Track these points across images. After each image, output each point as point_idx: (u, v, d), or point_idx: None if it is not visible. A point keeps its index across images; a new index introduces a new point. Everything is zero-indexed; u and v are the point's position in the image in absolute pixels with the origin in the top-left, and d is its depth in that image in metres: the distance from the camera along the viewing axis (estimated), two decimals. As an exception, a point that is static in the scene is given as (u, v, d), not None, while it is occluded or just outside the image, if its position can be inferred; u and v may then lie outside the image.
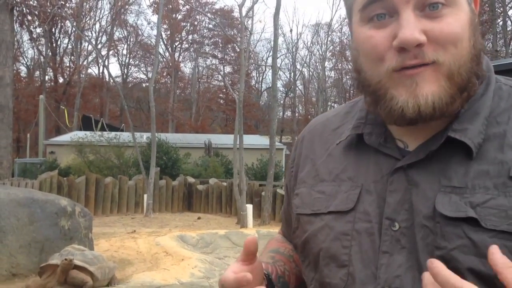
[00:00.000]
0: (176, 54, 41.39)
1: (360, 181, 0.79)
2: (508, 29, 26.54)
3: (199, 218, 12.60)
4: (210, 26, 40.64)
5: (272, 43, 14.12)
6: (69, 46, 37.96)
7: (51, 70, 37.25)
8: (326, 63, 38.50)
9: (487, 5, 27.57)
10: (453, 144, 0.72)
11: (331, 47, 38.67)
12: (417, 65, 0.69)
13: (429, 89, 0.69)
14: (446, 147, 0.72)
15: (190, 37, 41.96)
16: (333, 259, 0.77)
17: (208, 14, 35.70)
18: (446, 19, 0.69)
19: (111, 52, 38.15)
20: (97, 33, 37.25)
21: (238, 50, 13.02)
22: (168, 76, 40.66)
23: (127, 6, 36.74)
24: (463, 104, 0.74)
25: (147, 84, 31.99)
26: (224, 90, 40.73)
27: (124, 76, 41.13)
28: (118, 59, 41.20)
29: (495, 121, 0.73)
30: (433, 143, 0.73)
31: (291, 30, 53.96)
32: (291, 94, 41.65)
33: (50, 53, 36.26)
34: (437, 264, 0.58)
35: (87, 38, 31.17)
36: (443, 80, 0.69)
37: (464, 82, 0.71)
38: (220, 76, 42.59)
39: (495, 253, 0.58)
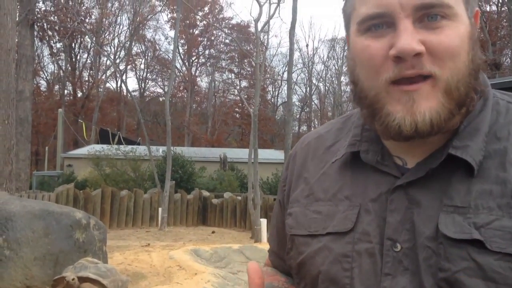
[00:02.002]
0: (193, 69, 41.80)
1: (358, 200, 0.76)
2: (527, 44, 26.27)
3: (213, 232, 12.58)
4: (227, 41, 41.05)
5: (288, 57, 14.17)
6: (88, 61, 38.65)
7: (70, 84, 37.89)
8: (342, 78, 38.44)
9: (505, 20, 27.39)
10: (453, 161, 0.70)
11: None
12: (414, 78, 0.68)
13: (426, 106, 0.68)
14: (446, 164, 0.70)
15: (206, 52, 42.40)
16: (333, 282, 0.75)
17: (225, 29, 36.09)
18: (445, 31, 0.68)
19: (129, 67, 38.74)
20: (115, 48, 37.86)
21: (254, 64, 13.09)
22: (185, 90, 41.02)
23: (145, 22, 37.30)
24: (462, 120, 0.73)
25: (164, 98, 32.25)
26: (240, 104, 40.90)
27: (142, 90, 41.63)
28: (136, 73, 41.86)
29: (495, 137, 0.72)
30: (433, 161, 0.71)
31: (307, 45, 54.14)
32: (307, 109, 41.67)
33: (69, 68, 36.91)
34: None
35: (105, 53, 31.68)
36: (441, 95, 0.68)
37: (462, 97, 0.70)
38: (236, 90, 42.84)
39: None
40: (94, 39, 29.40)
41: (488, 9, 28.03)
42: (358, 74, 0.74)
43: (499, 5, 28.19)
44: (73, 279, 4.54)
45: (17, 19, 10.34)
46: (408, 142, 0.72)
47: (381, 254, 0.71)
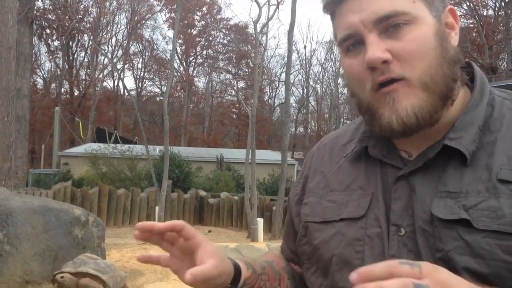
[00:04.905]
0: (191, 69, 41.81)
1: (370, 190, 0.83)
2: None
3: (209, 231, 12.63)
4: (225, 41, 41.09)
5: (285, 59, 14.25)
6: (86, 60, 38.62)
7: (67, 83, 37.82)
8: (339, 79, 38.56)
9: (501, 24, 27.55)
10: (449, 152, 0.76)
11: (344, 64, 38.61)
12: (388, 81, 0.76)
13: (407, 102, 0.75)
14: (443, 155, 0.77)
15: (204, 52, 42.43)
16: (346, 264, 0.81)
17: (223, 30, 36.12)
18: (407, 36, 0.75)
19: (126, 66, 38.71)
20: (113, 47, 37.87)
21: (252, 65, 13.15)
22: (182, 90, 41.03)
23: (143, 21, 37.31)
24: (457, 114, 0.79)
25: (161, 97, 32.27)
26: (237, 105, 40.95)
27: (139, 89, 41.60)
28: (133, 72, 41.78)
29: (488, 129, 0.78)
30: (430, 152, 0.78)
31: (305, 47, 54.25)
32: (304, 110, 41.73)
33: (66, 66, 36.86)
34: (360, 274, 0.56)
35: (103, 51, 31.67)
36: (419, 92, 0.75)
37: (443, 89, 0.77)
38: (233, 91, 42.88)
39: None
40: (92, 37, 29.40)
41: (485, 13, 28.21)
42: (353, 88, 0.83)
43: (496, 9, 28.37)
44: (62, 277, 4.58)
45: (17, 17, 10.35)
46: (410, 137, 0.79)
47: (388, 238, 0.78)
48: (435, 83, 0.76)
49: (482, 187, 0.73)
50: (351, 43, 0.79)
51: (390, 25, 0.76)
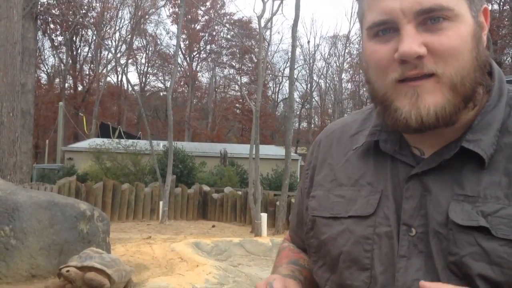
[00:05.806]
0: (194, 64, 41.77)
1: (380, 187, 0.81)
2: (527, 43, 26.30)
3: (213, 226, 12.67)
4: (228, 36, 41.02)
5: (289, 54, 14.22)
6: (89, 55, 38.64)
7: (70, 78, 37.87)
8: (343, 74, 38.46)
9: (506, 19, 27.41)
10: (466, 153, 0.74)
11: (348, 59, 38.66)
12: (418, 76, 0.72)
13: (431, 100, 0.72)
14: (459, 156, 0.75)
15: (208, 47, 42.37)
16: (354, 263, 0.80)
17: (227, 25, 36.06)
18: (446, 32, 0.72)
19: (130, 61, 38.74)
20: (116, 42, 37.85)
21: (256, 60, 13.14)
22: (186, 85, 41.03)
23: (147, 16, 37.28)
24: (476, 114, 0.77)
25: (165, 93, 32.28)
26: (241, 100, 40.92)
27: (142, 84, 41.63)
28: (137, 67, 41.81)
29: (507, 131, 0.75)
30: (446, 152, 0.76)
31: (308, 42, 53.98)
32: (307, 105, 41.67)
33: (70, 61, 36.89)
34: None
35: (107, 46, 31.69)
36: (446, 91, 0.72)
37: (469, 92, 0.74)
38: (237, 86, 42.85)
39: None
40: (95, 32, 29.43)
41: (490, 8, 28.04)
42: (370, 76, 0.79)
43: (501, 4, 28.24)
44: (67, 271, 4.61)
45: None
46: (424, 134, 0.76)
47: (398, 238, 0.76)
48: (463, 85, 0.73)
49: (501, 194, 0.71)
50: (382, 28, 0.75)
51: (430, 18, 0.72)
